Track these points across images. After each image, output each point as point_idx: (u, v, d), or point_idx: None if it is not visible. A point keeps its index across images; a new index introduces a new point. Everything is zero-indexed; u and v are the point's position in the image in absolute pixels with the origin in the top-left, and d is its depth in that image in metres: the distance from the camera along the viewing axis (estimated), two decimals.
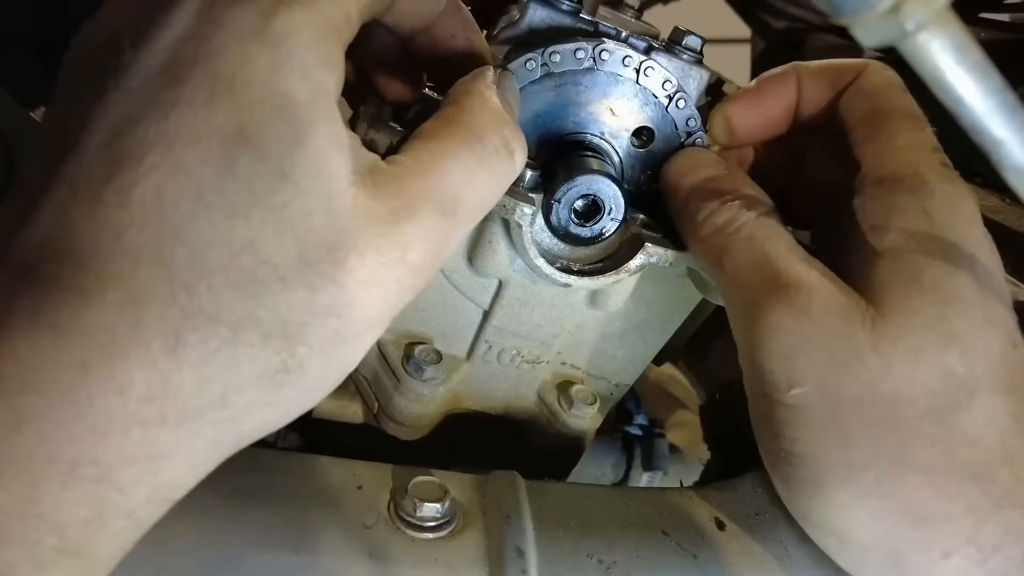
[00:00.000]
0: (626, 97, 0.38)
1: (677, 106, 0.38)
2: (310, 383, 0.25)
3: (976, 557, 0.30)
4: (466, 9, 0.35)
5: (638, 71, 0.37)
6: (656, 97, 0.38)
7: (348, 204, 0.24)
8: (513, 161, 0.30)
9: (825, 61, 0.39)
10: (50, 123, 0.25)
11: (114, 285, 0.22)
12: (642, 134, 0.39)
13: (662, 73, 0.38)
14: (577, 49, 0.36)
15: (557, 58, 0.36)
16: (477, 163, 0.28)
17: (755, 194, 0.36)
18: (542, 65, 0.36)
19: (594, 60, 0.37)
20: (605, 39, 0.37)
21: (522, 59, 0.36)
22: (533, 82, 0.37)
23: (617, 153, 0.39)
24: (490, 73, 0.32)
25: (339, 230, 0.24)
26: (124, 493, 0.23)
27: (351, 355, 0.27)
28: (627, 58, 0.37)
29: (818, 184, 0.40)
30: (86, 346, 0.21)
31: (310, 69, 0.24)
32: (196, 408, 0.23)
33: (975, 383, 0.30)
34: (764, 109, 0.39)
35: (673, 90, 0.38)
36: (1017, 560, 0.30)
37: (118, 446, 0.22)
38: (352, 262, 0.24)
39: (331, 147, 0.24)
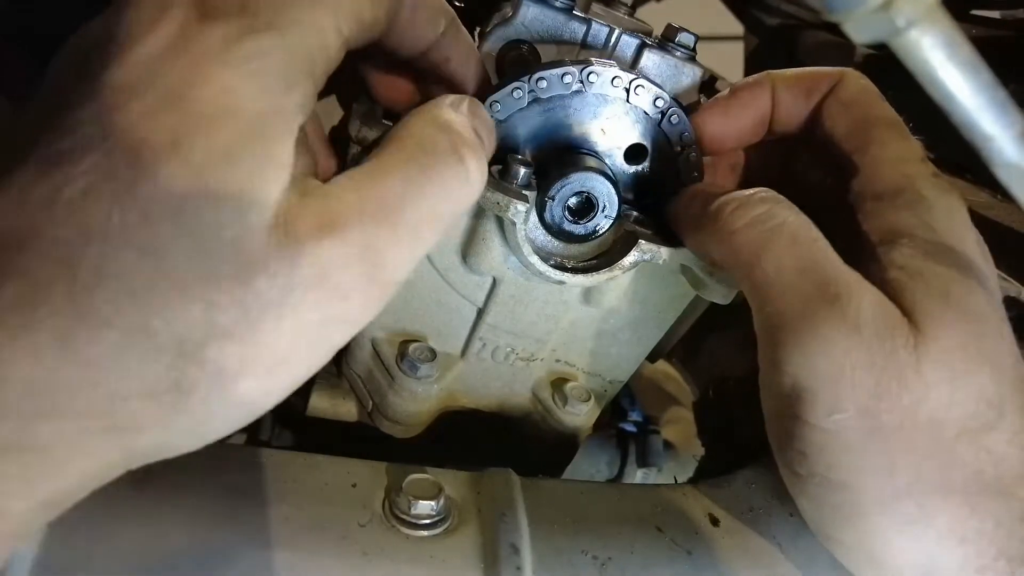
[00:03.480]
0: (616, 116, 0.37)
1: (670, 122, 0.38)
2: (208, 413, 0.24)
3: (1006, 570, 0.30)
4: (466, 33, 0.34)
5: (628, 90, 0.37)
6: (648, 115, 0.37)
7: (268, 223, 0.24)
8: (464, 167, 0.28)
9: (800, 69, 0.39)
10: (19, 121, 0.26)
11: (16, 279, 0.22)
12: (635, 152, 0.39)
13: (653, 91, 0.37)
14: (564, 74, 0.36)
15: (544, 84, 0.35)
16: (419, 173, 0.27)
17: (780, 195, 0.35)
18: (529, 92, 0.36)
19: (582, 83, 0.36)
20: (593, 61, 0.36)
21: (508, 88, 0.35)
22: (520, 109, 0.36)
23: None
24: (449, 98, 0.31)
25: (251, 248, 0.23)
26: None
27: (258, 392, 0.25)
28: (616, 79, 0.36)
29: (808, 188, 0.40)
30: None
31: (268, 91, 0.24)
32: (79, 410, 0.23)
33: (1003, 402, 0.30)
34: (737, 117, 0.39)
35: (665, 106, 0.37)
36: None
37: None
38: (259, 283, 0.23)
39: (266, 166, 0.24)
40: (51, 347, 0.22)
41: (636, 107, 0.37)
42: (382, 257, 0.25)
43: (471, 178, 0.28)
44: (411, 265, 0.27)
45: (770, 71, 0.39)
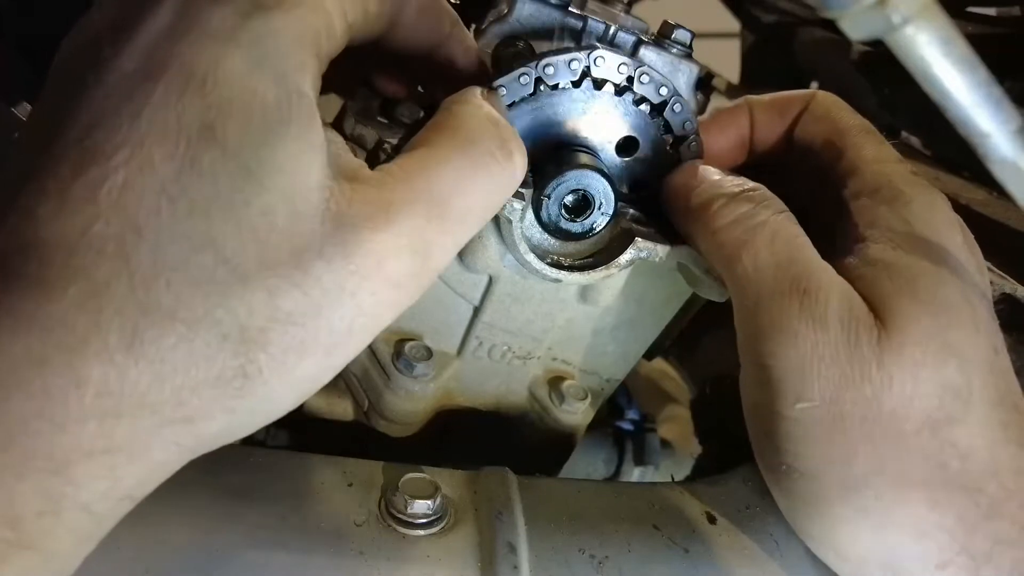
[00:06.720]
0: (620, 105, 0.37)
1: (673, 110, 0.38)
2: (271, 394, 0.25)
3: (970, 567, 0.30)
4: (468, 35, 0.34)
5: (632, 78, 0.36)
6: (651, 103, 0.37)
7: (317, 207, 0.24)
8: (512, 163, 0.28)
9: (775, 93, 0.40)
10: (32, 120, 0.25)
11: (76, 279, 0.22)
12: (630, 144, 0.38)
13: (657, 79, 0.37)
14: (572, 60, 0.35)
15: (551, 70, 0.35)
16: (470, 166, 0.27)
17: (769, 192, 0.36)
18: (535, 78, 0.35)
19: (588, 69, 0.36)
20: (598, 46, 0.36)
21: (515, 74, 0.35)
22: (524, 99, 0.36)
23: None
24: (479, 89, 0.31)
25: (304, 233, 0.24)
26: (80, 487, 0.22)
27: (318, 371, 0.26)
28: (622, 65, 0.36)
29: (791, 194, 0.40)
30: (45, 339, 0.21)
31: (284, 71, 0.24)
32: (152, 404, 0.23)
33: (970, 394, 0.30)
34: (719, 139, 0.40)
35: (668, 95, 0.37)
36: (1006, 568, 0.30)
37: (74, 440, 0.22)
38: (317, 269, 0.24)
39: (302, 148, 0.24)
40: (120, 346, 0.22)
41: (639, 95, 0.37)
42: (431, 248, 0.26)
43: (516, 172, 0.29)
44: (454, 254, 0.28)
45: (748, 96, 0.41)
